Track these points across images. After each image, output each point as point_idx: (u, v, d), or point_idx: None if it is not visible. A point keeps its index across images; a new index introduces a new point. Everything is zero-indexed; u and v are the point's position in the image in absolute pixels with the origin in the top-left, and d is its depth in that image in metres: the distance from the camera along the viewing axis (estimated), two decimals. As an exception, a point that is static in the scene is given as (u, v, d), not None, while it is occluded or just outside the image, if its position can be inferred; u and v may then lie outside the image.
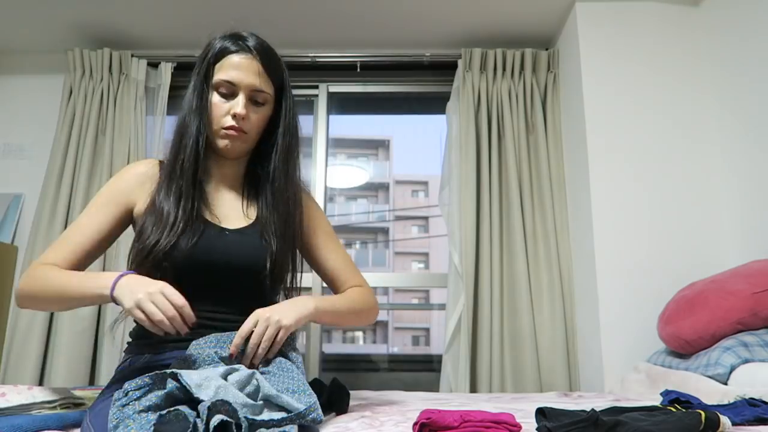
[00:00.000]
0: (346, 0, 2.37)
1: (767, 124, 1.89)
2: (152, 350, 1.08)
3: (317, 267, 1.29)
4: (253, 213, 1.21)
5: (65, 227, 2.40)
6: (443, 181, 2.54)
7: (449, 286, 2.38)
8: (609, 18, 2.32)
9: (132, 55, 2.59)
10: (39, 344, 2.25)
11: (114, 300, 0.95)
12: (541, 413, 0.93)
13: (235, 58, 1.14)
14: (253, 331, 0.98)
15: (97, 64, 2.58)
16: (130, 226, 1.20)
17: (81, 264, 1.10)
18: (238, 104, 1.12)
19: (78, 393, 1.31)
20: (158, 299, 0.92)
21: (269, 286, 1.15)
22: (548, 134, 2.50)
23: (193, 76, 1.18)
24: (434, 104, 2.82)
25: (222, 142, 1.15)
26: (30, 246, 2.39)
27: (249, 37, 1.17)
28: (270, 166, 1.19)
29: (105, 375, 2.26)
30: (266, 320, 0.99)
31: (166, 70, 2.60)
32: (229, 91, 1.13)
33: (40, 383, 2.23)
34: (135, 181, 1.16)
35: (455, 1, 2.37)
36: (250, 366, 0.95)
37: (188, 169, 1.12)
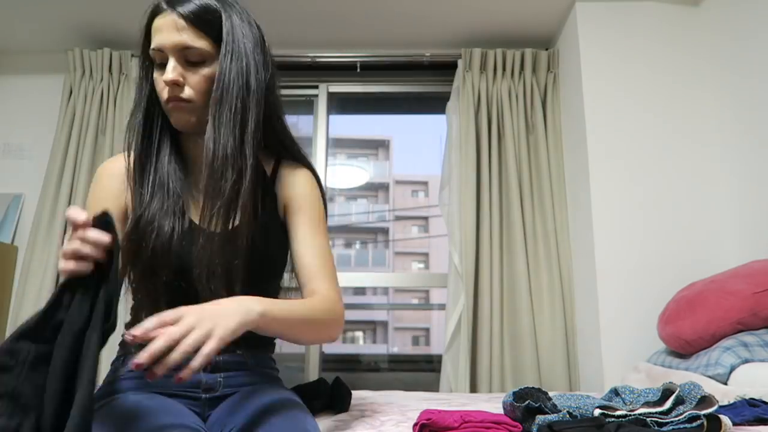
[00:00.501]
0: (346, 0, 2.37)
1: (767, 124, 1.89)
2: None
3: (292, 259, 1.11)
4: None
5: (65, 227, 2.40)
6: (443, 181, 2.54)
7: (449, 286, 2.38)
8: (609, 18, 2.32)
9: (132, 55, 2.59)
10: (39, 344, 2.25)
11: None
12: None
13: (156, 22, 0.99)
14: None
15: (97, 64, 2.58)
16: None
17: None
18: (168, 69, 0.97)
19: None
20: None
21: (265, 284, 1.07)
22: (548, 134, 2.50)
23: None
24: (434, 104, 2.82)
25: (172, 120, 1.01)
26: (30, 246, 2.39)
27: None
28: (208, 140, 0.98)
29: (102, 373, 2.26)
30: (193, 323, 0.74)
31: (166, 70, 2.60)
32: (162, 59, 0.99)
33: (40, 383, 2.23)
34: (116, 181, 1.05)
35: (455, 1, 2.37)
36: (150, 375, 0.71)
37: (146, 161, 1.02)
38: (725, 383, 1.40)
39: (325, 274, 1.05)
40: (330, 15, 2.47)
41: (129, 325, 1.09)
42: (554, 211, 2.40)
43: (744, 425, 1.00)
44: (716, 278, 1.69)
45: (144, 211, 0.99)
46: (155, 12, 1.00)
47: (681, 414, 0.86)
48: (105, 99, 2.55)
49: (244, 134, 0.99)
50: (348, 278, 2.84)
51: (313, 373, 2.51)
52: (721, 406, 1.03)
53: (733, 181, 2.08)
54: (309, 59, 2.65)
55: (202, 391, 1.01)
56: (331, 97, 2.86)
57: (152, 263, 0.98)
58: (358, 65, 2.69)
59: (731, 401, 1.12)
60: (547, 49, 2.62)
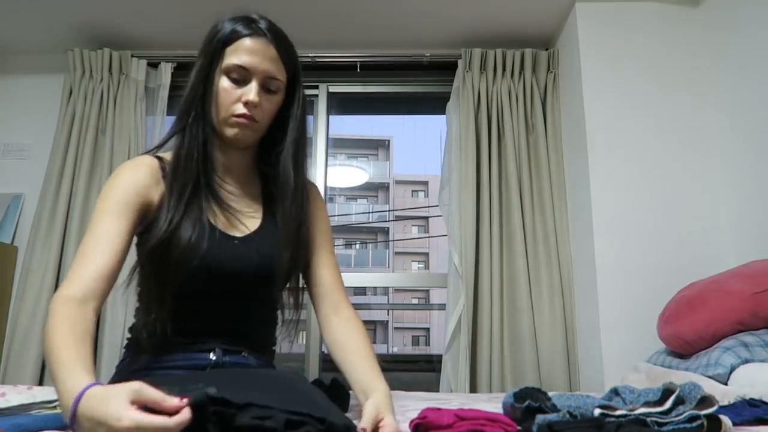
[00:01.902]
0: (347, 0, 2.38)
1: (767, 124, 1.89)
2: (151, 350, 1.05)
3: (307, 273, 1.19)
4: (258, 211, 1.15)
5: (65, 227, 2.40)
6: (443, 181, 2.54)
7: (449, 286, 2.38)
8: (609, 18, 2.32)
9: (132, 55, 2.59)
10: (39, 344, 2.25)
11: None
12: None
13: (248, 42, 1.06)
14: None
15: (97, 64, 2.58)
16: None
17: (108, 282, 0.97)
18: (251, 91, 1.05)
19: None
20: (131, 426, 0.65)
21: (275, 292, 1.14)
22: (548, 134, 2.50)
23: (197, 61, 1.10)
24: (434, 104, 2.82)
25: (231, 131, 1.07)
26: (30, 246, 2.39)
27: (261, 20, 1.11)
28: (280, 159, 1.12)
29: (105, 375, 2.26)
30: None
31: (166, 70, 2.60)
32: (241, 76, 1.06)
33: (40, 383, 2.23)
34: (147, 178, 1.06)
35: (455, 1, 2.37)
36: None
37: (196, 161, 1.05)
38: (725, 383, 1.40)
39: (344, 288, 1.19)
40: (330, 15, 2.47)
41: (135, 326, 1.10)
42: (554, 211, 2.40)
43: (744, 425, 1.00)
44: (716, 278, 1.69)
45: (174, 214, 1.01)
46: (250, 31, 1.07)
47: (681, 414, 0.86)
48: (105, 99, 2.55)
49: (306, 161, 1.15)
50: (348, 278, 2.82)
51: (313, 373, 2.51)
52: (721, 407, 1.03)
53: (732, 181, 2.08)
54: (309, 59, 2.65)
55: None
56: (331, 97, 2.86)
57: (173, 267, 1.00)
58: (358, 65, 2.69)
59: (731, 401, 1.12)
60: (547, 50, 2.62)
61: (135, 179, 1.05)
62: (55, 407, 1.18)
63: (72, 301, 0.89)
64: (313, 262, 1.17)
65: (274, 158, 1.14)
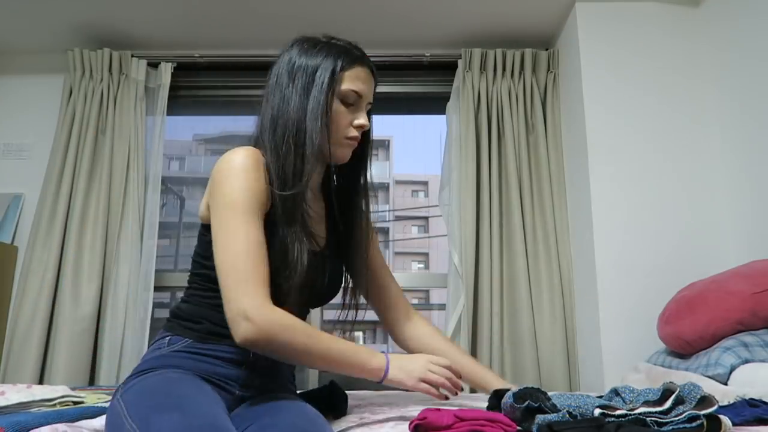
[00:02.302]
0: (347, 0, 2.38)
1: (767, 124, 1.89)
2: (195, 336, 1.06)
3: (374, 291, 1.32)
4: (323, 231, 1.21)
5: (65, 227, 2.40)
6: (443, 181, 2.54)
7: (449, 286, 2.38)
8: (609, 18, 2.32)
9: (132, 55, 2.59)
10: (39, 344, 2.25)
11: (389, 381, 1.04)
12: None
13: (362, 70, 1.15)
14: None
15: (97, 64, 2.58)
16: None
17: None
18: (363, 116, 1.15)
19: (78, 393, 1.31)
20: (434, 369, 1.04)
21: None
22: (548, 134, 2.49)
23: (300, 77, 1.11)
24: (434, 104, 2.81)
25: (343, 151, 1.15)
26: (30, 246, 2.39)
27: (358, 48, 1.19)
28: (360, 179, 1.23)
29: (105, 375, 2.26)
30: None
31: (166, 70, 2.60)
32: (354, 101, 1.14)
33: (40, 382, 2.23)
34: (262, 182, 1.05)
35: (455, 1, 2.37)
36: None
37: (305, 180, 1.07)
38: (725, 383, 1.40)
39: (406, 299, 1.39)
40: (330, 15, 2.47)
41: (177, 311, 1.11)
42: (554, 211, 2.40)
43: (744, 425, 1.00)
44: (716, 278, 1.69)
45: (285, 228, 1.06)
46: (361, 60, 1.15)
47: (681, 414, 0.86)
48: (105, 99, 2.55)
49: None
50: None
51: (313, 373, 2.51)
52: (721, 407, 1.03)
53: (733, 181, 2.08)
54: (309, 59, 2.65)
55: (237, 388, 1.05)
56: (331, 97, 2.86)
57: (284, 281, 1.03)
58: (358, 65, 2.69)
59: (731, 401, 1.12)
60: (547, 49, 2.62)
61: (260, 185, 1.04)
62: (54, 405, 1.18)
63: (300, 322, 1.00)
64: (379, 283, 1.32)
65: (355, 177, 1.24)
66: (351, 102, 1.13)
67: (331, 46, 1.14)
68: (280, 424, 0.89)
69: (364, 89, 1.14)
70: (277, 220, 1.05)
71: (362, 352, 1.03)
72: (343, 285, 1.26)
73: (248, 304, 0.94)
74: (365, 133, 1.20)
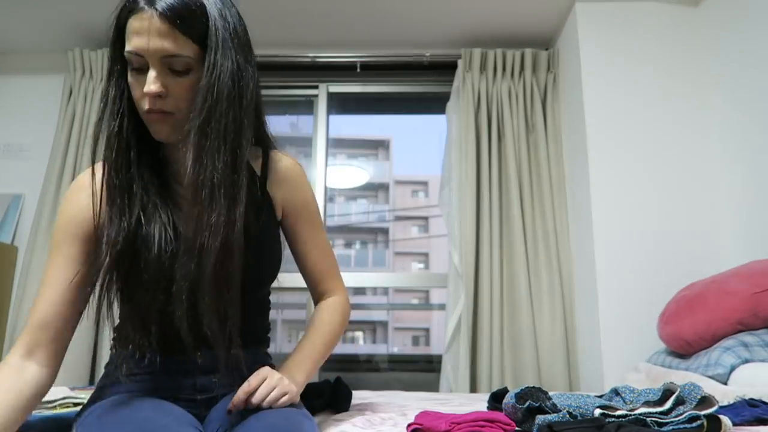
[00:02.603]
0: (346, 0, 2.38)
1: (767, 124, 1.89)
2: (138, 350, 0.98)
3: (297, 261, 1.14)
4: None
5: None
6: (443, 181, 2.54)
7: (449, 286, 2.38)
8: (609, 18, 2.32)
9: (132, 55, 2.59)
10: (39, 344, 2.25)
11: None
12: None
13: (135, 22, 0.87)
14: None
15: (97, 64, 2.58)
16: None
17: (61, 331, 0.94)
18: (150, 80, 0.87)
19: (78, 393, 1.31)
20: None
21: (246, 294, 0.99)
22: (548, 134, 2.49)
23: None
24: (434, 104, 2.82)
25: (152, 131, 0.92)
26: (30, 246, 2.39)
27: None
28: (186, 148, 0.89)
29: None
30: (275, 383, 0.90)
31: (166, 70, 2.60)
32: (140, 64, 0.88)
33: (40, 383, 2.23)
34: (83, 204, 0.97)
35: (455, 1, 2.37)
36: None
37: (125, 173, 0.94)
38: (725, 383, 1.40)
39: (333, 273, 1.14)
40: (330, 15, 2.47)
41: (115, 340, 1.04)
42: (554, 211, 2.40)
43: (744, 425, 1.00)
44: (716, 278, 1.69)
45: (129, 226, 0.92)
46: (131, 9, 0.87)
47: (681, 414, 0.86)
48: (105, 99, 2.55)
49: (237, 155, 0.90)
50: (348, 278, 2.81)
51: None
52: (721, 407, 1.03)
53: (733, 181, 2.08)
54: (309, 59, 2.65)
55: (198, 393, 1.00)
56: (331, 97, 2.86)
57: (146, 281, 0.91)
58: (358, 65, 2.69)
59: (731, 401, 1.12)
60: (547, 49, 2.62)
61: (83, 203, 0.97)
62: (54, 407, 1.18)
63: (13, 357, 0.90)
64: (301, 251, 1.12)
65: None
66: (139, 67, 0.89)
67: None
68: (260, 425, 0.84)
69: (140, 43, 0.86)
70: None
71: None
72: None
73: None
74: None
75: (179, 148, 0.94)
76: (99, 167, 0.97)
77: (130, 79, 0.91)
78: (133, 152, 0.95)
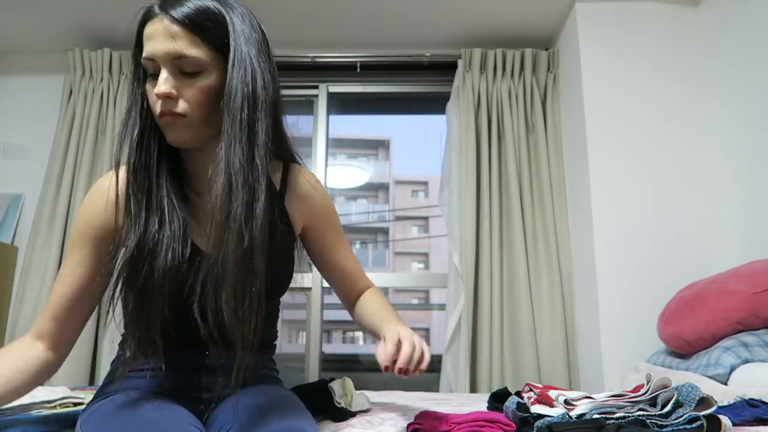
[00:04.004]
0: (346, 0, 2.37)
1: (767, 124, 1.89)
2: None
3: (326, 268, 1.17)
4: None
5: (65, 227, 2.40)
6: (443, 181, 2.54)
7: (449, 286, 2.38)
8: (609, 18, 2.32)
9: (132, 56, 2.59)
10: (39, 344, 2.25)
11: None
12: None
13: (149, 28, 0.90)
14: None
15: (97, 64, 2.58)
16: None
17: (69, 324, 0.98)
18: (159, 81, 0.89)
19: (78, 393, 1.31)
20: None
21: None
22: (548, 134, 2.50)
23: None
24: (434, 104, 2.82)
25: (166, 134, 0.93)
26: (30, 246, 2.39)
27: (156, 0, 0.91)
28: (217, 165, 0.89)
29: (105, 375, 2.26)
30: (415, 341, 0.90)
31: (166, 70, 2.60)
32: (154, 70, 0.90)
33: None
34: (101, 207, 0.97)
35: (455, 1, 2.37)
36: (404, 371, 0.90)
37: (144, 180, 0.93)
38: (725, 383, 1.40)
39: (363, 272, 1.20)
40: (330, 15, 2.47)
41: (124, 337, 1.05)
42: (554, 211, 2.40)
43: (744, 425, 1.00)
44: (716, 278, 1.69)
45: (143, 233, 0.92)
46: (147, 17, 0.91)
47: (681, 417, 0.86)
48: (105, 99, 2.55)
49: (254, 150, 0.90)
50: (348, 278, 2.83)
51: (313, 373, 2.51)
52: (720, 407, 1.03)
53: (733, 181, 2.08)
54: (309, 59, 2.65)
55: (203, 392, 1.01)
56: (331, 97, 2.86)
57: (151, 288, 0.91)
58: (358, 65, 2.69)
59: (731, 401, 1.12)
60: (547, 49, 2.62)
61: (88, 212, 0.99)
62: (54, 407, 1.18)
63: (25, 337, 0.99)
64: (332, 258, 1.16)
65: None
66: (153, 73, 0.91)
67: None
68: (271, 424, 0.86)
69: (152, 47, 0.89)
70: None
71: None
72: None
73: None
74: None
75: (195, 156, 0.98)
76: (121, 171, 0.96)
77: (147, 86, 0.93)
78: (154, 159, 0.95)
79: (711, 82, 2.22)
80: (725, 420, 0.87)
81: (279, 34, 2.65)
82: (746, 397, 1.14)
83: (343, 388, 1.26)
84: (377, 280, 3.00)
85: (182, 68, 0.89)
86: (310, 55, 2.64)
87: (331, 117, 2.86)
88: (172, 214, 0.95)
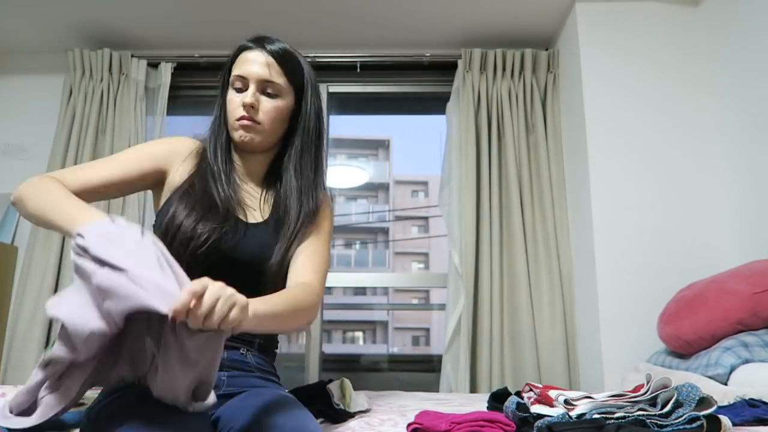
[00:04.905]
0: (346, 0, 2.38)
1: (767, 124, 1.89)
2: None
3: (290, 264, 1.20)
4: (267, 210, 1.20)
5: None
6: (443, 181, 2.54)
7: (449, 286, 2.38)
8: (609, 18, 2.32)
9: (132, 55, 2.59)
10: (39, 345, 2.25)
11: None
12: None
13: (248, 54, 1.17)
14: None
15: (97, 64, 2.58)
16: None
17: (88, 195, 1.06)
18: (248, 94, 1.15)
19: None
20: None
21: (269, 282, 1.10)
22: (548, 134, 2.49)
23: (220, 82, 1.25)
24: (434, 104, 2.81)
25: (237, 134, 1.17)
26: (30, 246, 2.40)
27: (267, 37, 1.20)
28: (288, 165, 1.20)
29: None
30: (219, 293, 0.79)
31: (166, 70, 2.60)
32: (243, 85, 1.16)
33: (40, 383, 2.23)
34: (176, 151, 1.18)
35: (455, 1, 2.37)
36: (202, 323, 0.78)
37: (217, 164, 1.17)
38: (725, 383, 1.40)
39: (312, 273, 1.12)
40: (330, 15, 2.47)
41: None
42: (554, 211, 2.40)
43: (744, 425, 1.00)
44: (716, 278, 1.69)
45: (196, 205, 1.10)
46: (246, 47, 1.18)
47: (681, 416, 0.86)
48: (105, 99, 2.55)
49: (317, 175, 1.23)
50: (348, 278, 2.83)
51: (313, 373, 2.51)
52: (720, 407, 1.03)
53: (733, 181, 2.08)
54: (309, 59, 2.64)
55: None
56: (331, 97, 2.86)
57: (197, 256, 1.05)
58: (358, 65, 2.69)
59: (731, 401, 1.12)
60: (547, 49, 2.62)
61: (167, 147, 1.19)
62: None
63: (56, 180, 1.01)
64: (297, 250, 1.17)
65: (285, 164, 1.21)
66: (240, 87, 1.17)
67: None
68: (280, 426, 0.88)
69: (247, 69, 1.15)
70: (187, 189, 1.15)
71: (87, 210, 0.92)
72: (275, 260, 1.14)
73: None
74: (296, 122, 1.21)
75: (248, 159, 1.23)
76: (197, 143, 1.23)
77: (229, 96, 1.18)
78: (224, 150, 1.20)
79: (711, 82, 2.22)
80: (725, 420, 0.87)
81: (279, 34, 2.65)
82: (746, 397, 1.14)
83: (341, 390, 1.26)
84: (377, 280, 3.02)
85: (265, 90, 1.16)
86: (310, 55, 2.62)
87: (332, 117, 2.86)
88: (229, 194, 1.15)
